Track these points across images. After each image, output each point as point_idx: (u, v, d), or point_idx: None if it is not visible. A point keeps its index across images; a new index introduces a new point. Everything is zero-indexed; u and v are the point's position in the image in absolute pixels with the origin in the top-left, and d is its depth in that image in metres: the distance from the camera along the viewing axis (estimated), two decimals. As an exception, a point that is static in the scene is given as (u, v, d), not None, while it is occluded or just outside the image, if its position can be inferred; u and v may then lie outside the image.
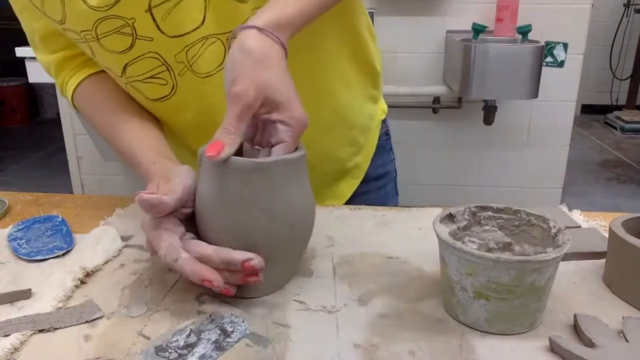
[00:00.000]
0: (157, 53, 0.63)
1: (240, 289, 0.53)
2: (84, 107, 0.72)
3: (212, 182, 0.51)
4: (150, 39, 0.61)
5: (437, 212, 0.55)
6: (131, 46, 0.62)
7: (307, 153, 0.54)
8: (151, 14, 0.60)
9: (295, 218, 0.52)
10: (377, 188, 0.89)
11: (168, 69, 0.64)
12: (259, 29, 0.52)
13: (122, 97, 0.69)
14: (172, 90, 0.66)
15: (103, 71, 0.69)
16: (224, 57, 0.64)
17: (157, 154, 0.62)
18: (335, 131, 0.78)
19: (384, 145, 0.89)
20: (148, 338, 0.47)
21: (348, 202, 0.85)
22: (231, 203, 0.50)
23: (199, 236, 0.53)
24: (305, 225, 0.55)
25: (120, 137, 0.66)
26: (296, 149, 0.53)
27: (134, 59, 0.63)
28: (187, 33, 0.62)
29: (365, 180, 0.86)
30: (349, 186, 0.85)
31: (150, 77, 0.65)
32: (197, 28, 0.61)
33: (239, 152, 0.52)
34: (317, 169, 0.79)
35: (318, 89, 0.72)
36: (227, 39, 0.63)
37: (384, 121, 0.89)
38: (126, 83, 0.66)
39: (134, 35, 0.61)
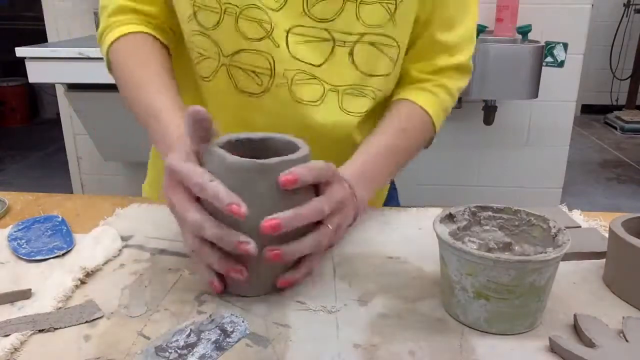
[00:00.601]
0: (272, 58, 0.69)
1: (240, 287, 0.53)
2: (119, 58, 0.72)
3: (237, 183, 0.50)
4: (277, 46, 0.68)
5: (437, 212, 0.55)
6: (259, 39, 0.68)
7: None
8: (287, 37, 0.68)
9: None
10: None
11: (271, 75, 0.70)
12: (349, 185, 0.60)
13: (162, 58, 0.71)
14: (261, 92, 0.71)
15: (150, 34, 0.72)
16: (320, 97, 0.72)
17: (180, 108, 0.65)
18: None
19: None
20: (148, 338, 0.47)
21: None
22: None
23: None
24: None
25: (145, 86, 0.67)
26: (299, 149, 0.53)
27: (250, 50, 0.69)
28: (305, 63, 0.69)
29: None
30: None
31: (251, 72, 0.70)
32: (314, 65, 0.70)
33: (246, 154, 0.52)
34: None
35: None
36: (327, 90, 0.71)
37: None
38: (223, 65, 0.70)
39: (267, 33, 0.68)
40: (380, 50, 0.71)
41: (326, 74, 0.71)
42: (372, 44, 0.70)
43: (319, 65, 0.70)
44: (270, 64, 0.69)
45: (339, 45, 0.69)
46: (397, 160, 0.73)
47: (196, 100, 0.75)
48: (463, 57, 0.77)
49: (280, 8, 0.67)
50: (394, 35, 0.71)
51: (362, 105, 0.73)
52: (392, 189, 0.94)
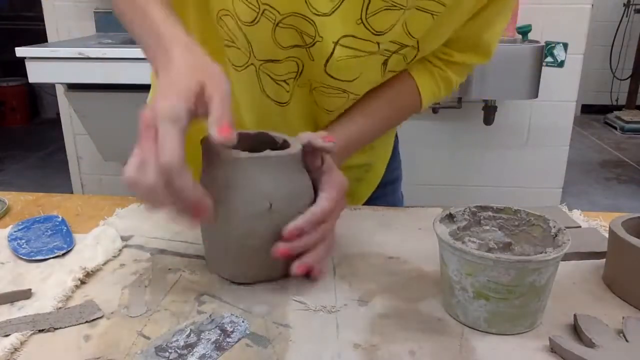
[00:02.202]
0: (302, 65, 0.63)
1: (249, 274, 0.55)
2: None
3: (217, 174, 0.52)
4: (312, 59, 0.62)
5: (437, 212, 0.55)
6: (293, 46, 0.61)
7: None
8: (334, 50, 0.60)
9: (296, 206, 0.53)
10: (392, 191, 0.90)
11: (295, 78, 0.65)
12: None
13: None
14: (286, 102, 0.67)
15: None
16: (342, 106, 0.69)
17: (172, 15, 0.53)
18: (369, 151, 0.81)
19: (395, 148, 0.91)
20: (148, 338, 0.47)
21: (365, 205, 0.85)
22: (236, 195, 0.51)
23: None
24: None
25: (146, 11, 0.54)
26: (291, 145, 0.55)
27: (284, 60, 0.62)
28: (338, 80, 0.64)
29: (382, 184, 0.87)
30: (366, 190, 0.86)
31: (282, 81, 0.65)
32: (347, 81, 0.64)
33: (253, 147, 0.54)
34: None
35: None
36: (351, 99, 0.68)
37: None
38: (252, 64, 0.64)
39: (306, 45, 0.61)
40: (404, 57, 0.66)
41: (355, 87, 0.66)
42: (403, 54, 0.64)
43: (351, 80, 0.65)
44: (298, 68, 0.64)
45: (380, 55, 0.63)
46: (374, 137, 0.74)
47: None
48: (484, 58, 0.73)
49: (334, 10, 0.58)
50: (422, 44, 0.65)
51: None
52: (399, 193, 0.94)
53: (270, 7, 0.58)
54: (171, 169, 0.42)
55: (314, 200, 0.55)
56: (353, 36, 0.60)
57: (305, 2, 0.57)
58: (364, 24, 0.59)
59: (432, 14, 0.61)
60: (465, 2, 0.63)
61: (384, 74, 0.67)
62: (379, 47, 0.62)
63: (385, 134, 0.77)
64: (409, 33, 0.62)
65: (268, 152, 0.52)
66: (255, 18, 0.59)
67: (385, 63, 0.64)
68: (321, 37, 0.60)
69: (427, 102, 0.74)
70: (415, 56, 0.66)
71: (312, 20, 0.58)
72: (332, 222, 0.56)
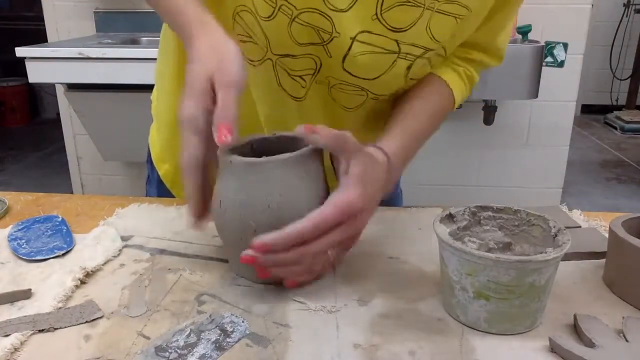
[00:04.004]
0: (320, 63, 0.63)
1: (249, 272, 0.55)
2: None
3: (232, 182, 0.53)
4: (330, 56, 0.62)
5: (437, 212, 0.55)
6: (311, 43, 0.61)
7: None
8: (351, 46, 0.61)
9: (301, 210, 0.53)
10: (395, 186, 0.89)
11: (314, 75, 0.65)
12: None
13: None
14: (302, 97, 0.67)
15: None
16: (359, 105, 0.68)
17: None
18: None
19: None
20: (148, 338, 0.47)
21: None
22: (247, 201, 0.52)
23: None
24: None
25: None
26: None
27: (300, 56, 0.63)
28: (357, 77, 0.64)
29: None
30: None
31: (297, 76, 0.65)
32: (366, 79, 0.64)
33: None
34: None
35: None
36: (370, 98, 0.67)
37: None
38: (269, 59, 0.64)
39: (323, 42, 0.61)
40: (429, 61, 0.66)
41: (375, 88, 0.66)
42: (428, 58, 0.65)
43: (372, 79, 0.65)
44: (316, 65, 0.64)
45: (402, 58, 0.63)
46: (420, 145, 0.70)
47: None
48: (497, 61, 0.74)
49: (350, 7, 0.59)
50: (448, 49, 0.66)
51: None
52: (398, 190, 0.93)
53: (287, 2, 0.59)
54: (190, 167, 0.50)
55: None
56: (369, 32, 0.60)
57: None
58: (379, 20, 0.60)
59: (455, 18, 0.61)
60: (488, 5, 0.64)
61: (407, 80, 0.66)
62: (398, 46, 0.61)
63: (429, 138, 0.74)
64: (433, 37, 0.62)
65: (259, 159, 0.53)
66: (273, 13, 0.60)
67: (409, 68, 0.64)
68: (338, 32, 0.60)
69: (459, 101, 0.74)
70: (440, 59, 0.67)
71: (328, 16, 0.59)
72: (319, 246, 0.50)
